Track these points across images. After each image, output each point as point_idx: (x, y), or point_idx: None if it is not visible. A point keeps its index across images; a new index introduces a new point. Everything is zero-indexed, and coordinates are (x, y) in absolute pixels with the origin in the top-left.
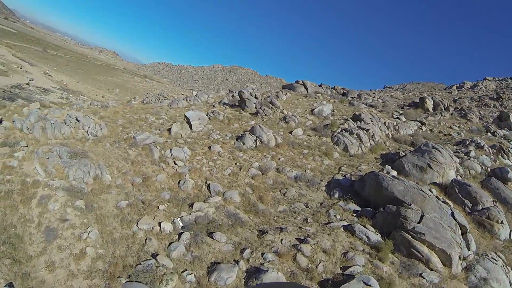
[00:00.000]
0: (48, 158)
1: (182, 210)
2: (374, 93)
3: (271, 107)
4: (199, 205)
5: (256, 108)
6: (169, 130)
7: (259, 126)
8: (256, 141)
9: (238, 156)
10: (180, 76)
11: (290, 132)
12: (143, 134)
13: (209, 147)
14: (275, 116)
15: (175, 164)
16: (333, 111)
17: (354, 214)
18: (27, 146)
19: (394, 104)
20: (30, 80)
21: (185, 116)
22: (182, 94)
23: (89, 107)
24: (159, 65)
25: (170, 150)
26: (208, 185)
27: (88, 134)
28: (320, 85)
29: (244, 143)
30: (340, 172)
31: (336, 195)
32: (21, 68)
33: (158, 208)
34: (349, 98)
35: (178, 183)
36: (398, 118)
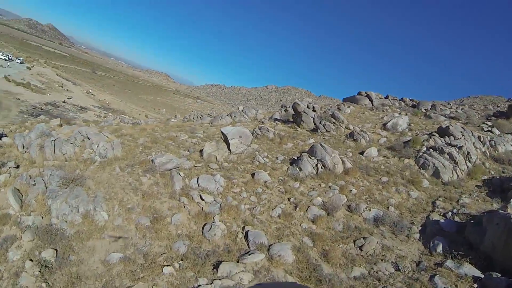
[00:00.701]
0: (35, 184)
1: (201, 275)
2: (449, 104)
3: (334, 122)
4: (229, 268)
5: (314, 123)
6: (201, 151)
7: (321, 145)
8: (317, 165)
9: (292, 187)
10: (233, 97)
11: (361, 153)
12: (164, 156)
13: (253, 175)
14: (339, 132)
15: (202, 199)
16: (409, 124)
17: (476, 286)
18: (17, 167)
19: (477, 115)
20: (68, 98)
21: (222, 133)
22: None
23: (118, 125)
24: (212, 87)
25: (197, 178)
26: (247, 233)
27: (96, 155)
28: (386, 97)
29: (301, 169)
30: (436, 209)
31: (439, 248)
32: (62, 86)
33: (162, 270)
34: (423, 110)
35: (203, 228)
36: (489, 131)
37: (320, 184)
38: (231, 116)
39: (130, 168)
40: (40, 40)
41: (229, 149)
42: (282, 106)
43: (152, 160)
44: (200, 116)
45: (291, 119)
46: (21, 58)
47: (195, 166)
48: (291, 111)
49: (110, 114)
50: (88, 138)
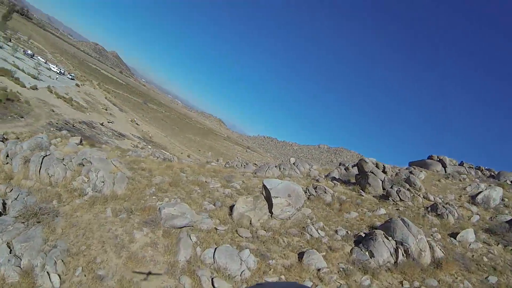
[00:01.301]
0: None
1: None
2: None
3: (408, 188)
4: None
5: (384, 188)
6: (232, 208)
7: (403, 220)
8: (396, 251)
9: (360, 283)
10: (284, 152)
11: (452, 236)
12: (176, 207)
13: (300, 256)
14: (417, 203)
15: (213, 286)
16: (502, 199)
17: None
18: None
19: None
20: (108, 122)
21: (264, 186)
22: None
23: (146, 158)
24: (264, 139)
25: (215, 249)
26: None
27: (89, 186)
28: (461, 164)
29: (372, 254)
30: None
31: None
32: (106, 109)
33: None
34: (509, 182)
35: None
36: None
37: (402, 283)
38: (279, 168)
39: (126, 213)
40: (101, 65)
41: (270, 211)
42: (340, 164)
43: (159, 208)
44: (245, 164)
45: (353, 180)
46: (72, 75)
47: (216, 229)
48: (353, 171)
49: (149, 146)
50: (90, 163)
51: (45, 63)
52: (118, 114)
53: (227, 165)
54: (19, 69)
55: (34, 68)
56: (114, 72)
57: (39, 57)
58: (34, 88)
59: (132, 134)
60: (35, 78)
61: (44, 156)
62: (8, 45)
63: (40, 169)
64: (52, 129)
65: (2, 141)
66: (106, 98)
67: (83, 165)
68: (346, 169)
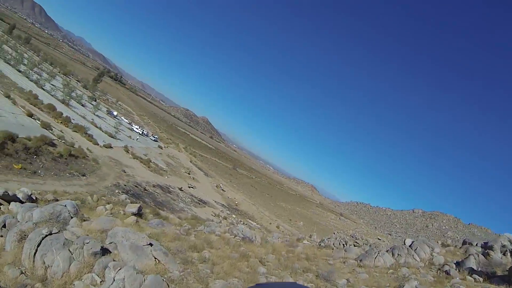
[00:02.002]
0: None
1: None
2: None
3: None
4: None
5: None
6: None
7: None
8: None
9: None
10: (377, 218)
11: None
12: None
13: None
14: None
15: None
16: None
17: None
18: None
19: None
20: (189, 187)
21: None
22: (379, 239)
23: (220, 236)
24: (357, 205)
25: None
26: None
27: None
28: None
29: None
30: None
31: None
32: (189, 173)
33: None
34: None
35: None
36: None
37: None
38: (392, 253)
39: None
40: (190, 129)
41: None
42: (468, 244)
43: None
44: (344, 243)
45: (500, 272)
46: (156, 136)
47: None
48: (496, 257)
49: (234, 215)
50: (117, 250)
51: (129, 123)
52: (202, 179)
53: (322, 244)
54: (96, 126)
55: (114, 127)
56: (203, 137)
57: (122, 118)
58: (108, 146)
59: (215, 201)
60: (112, 137)
61: (45, 236)
62: (92, 104)
63: (35, 253)
64: (116, 191)
65: (21, 201)
66: (191, 161)
67: (97, 255)
68: (487, 254)
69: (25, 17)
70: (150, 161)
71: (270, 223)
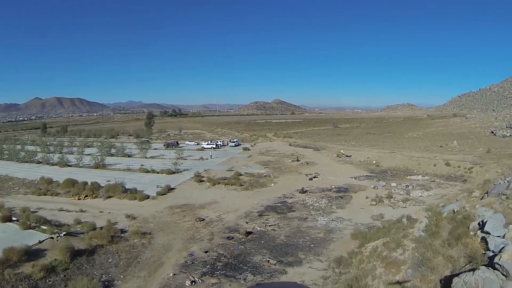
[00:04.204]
0: None
1: None
2: None
3: None
4: None
5: None
6: None
7: None
8: None
9: None
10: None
11: None
12: None
13: None
14: None
15: None
16: None
17: None
18: None
19: None
20: (312, 178)
21: None
22: None
23: None
24: (460, 98)
25: None
26: None
27: None
28: None
29: None
30: None
31: None
32: (298, 160)
33: None
34: None
35: None
36: None
37: None
38: None
39: None
40: (269, 117)
41: None
42: None
43: None
44: None
45: None
46: (235, 140)
47: None
48: None
49: (406, 185)
50: None
51: (196, 144)
52: (317, 158)
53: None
54: (147, 171)
55: (175, 158)
56: (285, 116)
57: (187, 143)
58: (165, 192)
59: (354, 178)
60: (172, 172)
61: None
62: (142, 147)
63: None
64: (189, 277)
65: None
66: (290, 145)
67: None
68: None
69: (71, 115)
70: (240, 175)
71: (435, 165)
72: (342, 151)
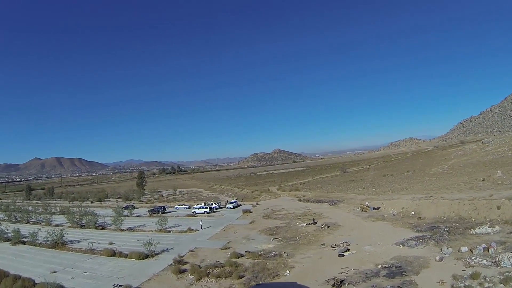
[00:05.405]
0: None
1: None
2: None
3: None
4: None
5: None
6: None
7: None
8: None
9: None
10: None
11: None
12: None
13: None
14: None
15: None
16: None
17: None
18: None
19: None
20: (341, 254)
21: None
22: None
23: None
24: (462, 125)
25: None
26: None
27: None
28: None
29: None
30: None
31: None
32: (314, 222)
33: None
34: None
35: None
36: None
37: None
38: None
39: None
40: (271, 167)
41: None
42: None
43: None
44: None
45: None
46: (233, 201)
47: None
48: None
49: (484, 247)
50: None
51: (187, 207)
52: (336, 216)
53: None
54: (108, 255)
55: (156, 229)
56: (287, 165)
57: (176, 206)
58: None
59: (401, 244)
60: (144, 257)
61: None
62: (120, 215)
63: None
64: None
65: None
66: (299, 200)
67: None
68: None
69: (70, 175)
70: (239, 256)
71: (496, 206)
72: (366, 203)
